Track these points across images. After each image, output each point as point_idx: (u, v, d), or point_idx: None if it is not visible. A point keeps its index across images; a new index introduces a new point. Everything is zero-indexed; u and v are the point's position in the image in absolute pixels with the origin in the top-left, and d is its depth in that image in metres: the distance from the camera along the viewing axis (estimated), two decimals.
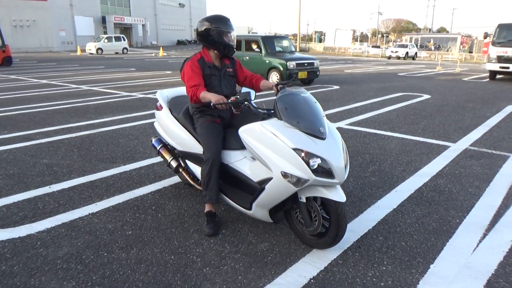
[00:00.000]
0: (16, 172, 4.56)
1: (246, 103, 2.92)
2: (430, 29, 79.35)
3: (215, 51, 3.31)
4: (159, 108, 3.84)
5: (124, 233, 3.18)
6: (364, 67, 24.81)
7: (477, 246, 3.02)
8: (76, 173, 4.53)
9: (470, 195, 4.02)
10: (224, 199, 3.26)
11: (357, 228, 3.29)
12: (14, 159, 5.01)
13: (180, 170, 3.73)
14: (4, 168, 4.67)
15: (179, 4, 68.34)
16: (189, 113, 3.49)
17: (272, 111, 2.90)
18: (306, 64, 13.39)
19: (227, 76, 3.43)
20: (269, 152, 2.73)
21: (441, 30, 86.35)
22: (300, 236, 3.03)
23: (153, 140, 3.95)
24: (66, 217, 3.44)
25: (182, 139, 3.54)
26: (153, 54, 35.97)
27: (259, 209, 2.97)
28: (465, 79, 17.25)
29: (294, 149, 2.62)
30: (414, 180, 4.41)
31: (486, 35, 18.37)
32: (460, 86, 14.09)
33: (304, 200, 2.83)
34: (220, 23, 3.21)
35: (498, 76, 17.31)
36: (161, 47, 42.70)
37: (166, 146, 3.85)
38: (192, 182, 3.67)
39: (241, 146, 3.05)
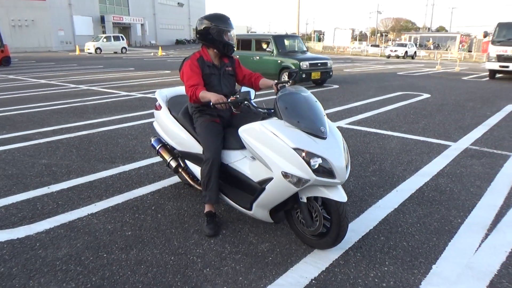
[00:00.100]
0: (15, 172, 4.53)
1: (246, 102, 2.89)
2: (429, 28, 79.36)
3: (215, 50, 3.28)
4: (158, 107, 3.81)
5: (123, 234, 3.15)
6: (363, 66, 24.79)
7: (479, 246, 3.00)
8: (75, 174, 4.50)
9: (472, 194, 4.00)
10: (224, 199, 3.24)
11: (358, 228, 3.27)
12: (13, 160, 4.99)
13: (180, 170, 3.71)
14: (3, 169, 4.64)
15: (178, 3, 68.24)
16: (189, 112, 3.47)
17: (272, 111, 2.87)
18: (319, 64, 12.94)
19: (227, 75, 3.40)
20: (269, 152, 2.71)
21: (440, 29, 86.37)
22: (301, 236, 3.01)
23: (152, 140, 3.93)
24: (65, 218, 3.42)
25: (182, 139, 3.51)
26: (152, 54, 35.92)
27: (260, 209, 2.95)
28: (465, 78, 17.24)
29: (295, 149, 2.59)
30: (415, 180, 4.39)
31: (485, 34, 18.36)
32: (459, 85, 14.08)
33: (305, 200, 2.81)
34: (219, 21, 3.18)
35: (498, 75, 17.30)
36: (160, 47, 42.67)
37: (166, 146, 3.83)
38: (191, 182, 3.64)
39: (241, 145, 3.03)
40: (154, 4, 62.31)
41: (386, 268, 2.71)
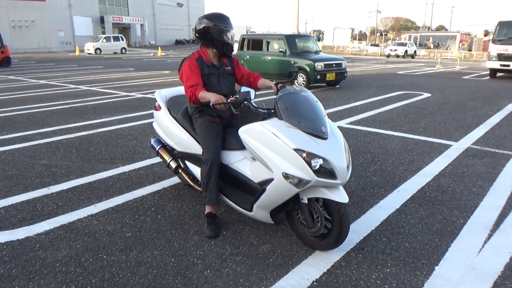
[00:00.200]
0: (15, 173, 4.51)
1: (245, 102, 2.87)
2: (429, 27, 79.33)
3: (214, 50, 3.26)
4: (158, 108, 3.79)
5: (123, 235, 3.13)
6: (363, 65, 24.76)
7: (482, 247, 2.98)
8: (75, 174, 4.48)
9: (474, 194, 3.98)
10: (225, 200, 3.21)
11: (359, 229, 3.25)
12: (13, 160, 4.97)
13: (180, 171, 3.69)
14: (3, 169, 4.62)
15: (177, 3, 68.22)
16: (188, 113, 3.44)
17: (272, 111, 2.85)
18: (334, 65, 12.39)
19: (226, 75, 3.38)
20: (269, 152, 2.68)
21: (440, 28, 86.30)
22: (302, 237, 2.99)
23: (152, 140, 3.90)
24: (65, 219, 3.40)
25: (181, 139, 3.49)
26: (152, 54, 35.91)
27: (260, 211, 2.93)
28: (465, 77, 17.21)
29: (295, 150, 2.57)
30: (416, 180, 4.37)
31: (486, 33, 18.34)
32: (460, 85, 14.06)
33: (306, 201, 2.79)
34: (219, 21, 3.15)
35: (499, 74, 17.28)
36: (159, 47, 42.65)
37: (165, 146, 3.81)
38: (192, 183, 3.62)
39: (241, 146, 3.01)
40: (154, 5, 62.32)
41: (388, 270, 2.68)
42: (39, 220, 3.38)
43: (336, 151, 2.63)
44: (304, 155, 2.54)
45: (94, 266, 2.71)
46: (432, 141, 6.01)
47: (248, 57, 13.75)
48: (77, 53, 36.76)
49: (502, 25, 15.96)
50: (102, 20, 51.91)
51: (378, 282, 2.55)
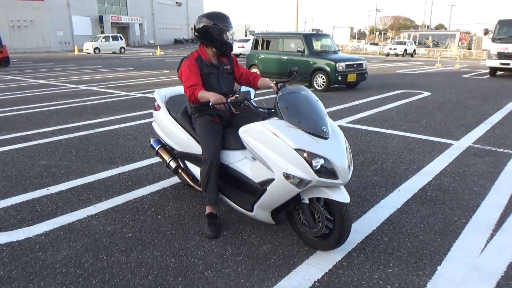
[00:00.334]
0: (14, 173, 4.49)
1: (245, 102, 2.85)
2: (428, 26, 79.32)
3: (213, 49, 3.24)
4: (157, 108, 3.77)
5: (123, 236, 3.11)
6: None
7: (484, 246, 2.96)
8: (74, 174, 4.46)
9: (476, 194, 3.96)
10: (225, 200, 3.20)
11: (361, 228, 3.23)
12: (12, 161, 4.94)
13: (180, 171, 3.66)
14: (2, 170, 4.60)
15: (176, 3, 68.13)
16: (188, 112, 3.42)
17: (273, 110, 2.83)
18: (355, 65, 11.79)
19: (225, 74, 3.36)
20: (270, 152, 2.67)
21: (439, 27, 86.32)
22: (303, 237, 2.97)
23: (152, 140, 3.88)
24: (65, 220, 3.38)
25: (181, 139, 3.47)
26: (151, 53, 35.85)
27: (261, 211, 2.91)
28: (465, 76, 17.20)
29: (296, 150, 2.55)
30: (417, 179, 4.35)
31: (486, 32, 18.31)
32: (460, 83, 14.04)
33: (307, 201, 2.77)
34: (219, 20, 3.13)
35: (499, 73, 17.27)
36: (158, 46, 42.60)
37: (165, 146, 3.79)
38: (191, 183, 3.60)
39: (241, 146, 2.99)
40: (153, 4, 62.22)
41: (390, 270, 2.67)
42: (38, 221, 3.36)
43: (337, 150, 2.61)
44: (305, 155, 2.52)
45: (94, 267, 2.69)
46: (432, 140, 5.99)
47: (262, 56, 13.17)
48: (76, 52, 36.71)
49: (502, 23, 15.94)
50: (101, 19, 51.84)
51: (380, 282, 2.53)
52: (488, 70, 17.45)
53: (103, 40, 37.37)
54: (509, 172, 4.59)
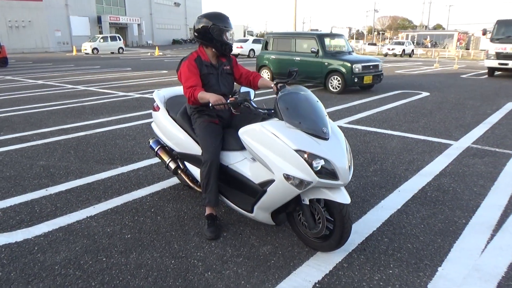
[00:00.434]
0: (13, 174, 4.47)
1: (245, 103, 2.84)
2: (426, 26, 79.42)
3: (213, 49, 3.23)
4: (156, 108, 3.75)
5: (123, 237, 3.10)
6: None
7: (485, 247, 2.96)
8: (73, 175, 4.44)
9: (475, 194, 3.96)
10: (225, 201, 3.18)
11: (361, 229, 3.22)
12: (11, 161, 4.92)
13: (179, 172, 3.65)
14: (0, 171, 4.58)
15: (175, 3, 68.05)
16: (187, 113, 3.41)
17: (273, 111, 2.82)
18: (371, 67, 11.37)
19: (225, 74, 3.35)
20: (270, 153, 2.66)
21: (437, 27, 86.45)
22: (303, 238, 2.96)
23: (151, 141, 3.87)
24: (64, 221, 3.36)
25: (180, 140, 3.46)
26: (149, 54, 35.80)
27: (261, 212, 2.90)
28: (464, 76, 17.22)
29: (297, 151, 2.54)
30: (417, 180, 4.35)
31: (484, 32, 18.34)
32: (458, 83, 14.05)
33: (307, 202, 2.76)
34: (218, 20, 3.12)
35: (497, 73, 17.30)
36: (156, 47, 42.52)
37: (164, 147, 3.77)
38: (191, 184, 3.59)
39: (240, 146, 2.98)
40: (151, 4, 62.13)
41: (391, 271, 2.66)
42: (37, 222, 3.34)
43: (337, 151, 2.61)
44: (306, 156, 2.51)
45: (93, 269, 2.67)
46: (432, 141, 5.99)
47: (273, 57, 12.71)
48: (74, 53, 36.64)
49: (501, 23, 15.97)
50: (99, 20, 51.75)
51: (381, 283, 2.52)
52: (486, 70, 17.48)
53: (102, 40, 37.30)
54: (509, 172, 4.59)
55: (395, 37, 65.80)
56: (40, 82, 13.77)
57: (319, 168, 2.50)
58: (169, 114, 3.59)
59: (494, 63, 16.00)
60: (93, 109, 8.49)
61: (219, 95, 2.92)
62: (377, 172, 4.61)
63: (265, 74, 12.97)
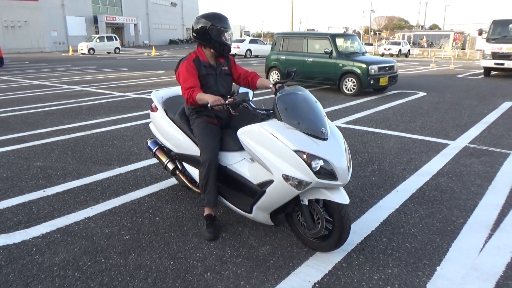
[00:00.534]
0: (10, 175, 4.45)
1: (244, 103, 2.83)
2: (422, 26, 79.65)
3: (211, 50, 3.22)
4: (154, 109, 3.75)
5: (121, 238, 3.09)
6: None
7: (483, 246, 2.97)
8: (70, 176, 4.43)
9: (473, 194, 3.98)
10: (224, 202, 3.18)
11: (359, 229, 3.23)
12: (7, 162, 4.90)
13: (177, 172, 3.64)
14: None
15: (171, 3, 67.93)
16: (185, 114, 3.40)
17: (271, 111, 2.82)
18: (387, 68, 10.98)
19: (223, 75, 3.34)
20: (269, 154, 2.66)
21: (434, 27, 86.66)
22: (302, 239, 2.96)
23: (149, 142, 3.86)
24: (62, 222, 3.35)
25: (178, 140, 3.45)
26: (146, 54, 35.74)
27: (260, 212, 2.90)
28: (460, 76, 17.28)
29: (296, 151, 2.54)
30: (415, 179, 4.36)
31: (480, 32, 18.41)
32: (455, 83, 14.10)
33: (306, 203, 2.76)
34: (217, 21, 3.12)
35: (493, 73, 17.38)
36: (153, 47, 42.47)
37: (162, 148, 3.77)
38: (190, 185, 3.58)
39: (239, 147, 2.98)
40: (147, 4, 62.00)
41: (390, 271, 2.67)
42: (35, 223, 3.33)
43: (336, 152, 2.61)
44: (305, 156, 2.51)
45: (92, 270, 2.67)
46: (429, 140, 6.01)
47: (283, 58, 12.30)
48: (70, 53, 36.51)
49: (496, 23, 16.05)
50: (95, 20, 51.58)
51: (380, 283, 2.53)
52: (482, 70, 17.55)
53: (98, 40, 37.19)
54: (506, 171, 4.61)
55: (391, 37, 65.95)
56: (36, 82, 13.72)
57: (318, 168, 2.51)
58: (167, 115, 3.59)
59: (490, 63, 16.07)
60: (90, 110, 8.46)
61: (217, 96, 2.92)
62: (375, 172, 4.62)
63: (275, 75, 12.67)
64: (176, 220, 3.41)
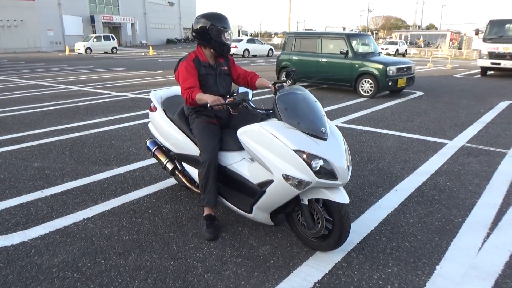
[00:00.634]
0: (7, 176, 4.43)
1: (244, 103, 2.83)
2: (419, 26, 79.82)
3: (211, 50, 3.22)
4: (153, 109, 3.74)
5: (121, 239, 3.09)
6: None
7: (482, 245, 2.98)
8: (68, 177, 4.41)
9: (471, 193, 3.99)
10: (224, 202, 3.18)
11: (359, 229, 3.24)
12: (5, 163, 4.88)
13: (177, 172, 3.63)
14: None
15: (169, 2, 67.82)
16: (184, 113, 3.40)
17: (271, 111, 2.82)
18: (405, 69, 10.61)
19: (223, 75, 3.34)
20: (269, 154, 2.66)
21: (430, 27, 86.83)
22: (302, 238, 2.97)
23: (148, 142, 3.85)
24: (60, 223, 3.34)
25: (178, 140, 3.45)
26: (143, 53, 35.66)
27: (260, 212, 2.90)
28: (457, 75, 17.32)
29: (296, 151, 2.55)
30: (413, 179, 4.37)
31: (477, 32, 18.47)
32: (452, 83, 14.14)
33: (306, 202, 2.76)
34: (217, 21, 3.11)
35: (489, 72, 17.43)
36: (150, 46, 42.36)
37: (161, 148, 3.76)
38: (189, 185, 3.58)
39: (239, 147, 2.98)
40: (145, 4, 61.87)
41: (389, 270, 2.67)
42: (33, 224, 3.32)
43: (336, 151, 2.62)
44: (305, 156, 2.52)
45: (92, 271, 2.66)
46: (427, 140, 6.02)
47: (295, 58, 11.84)
48: (67, 53, 36.38)
49: (493, 23, 16.09)
50: (92, 19, 51.44)
51: (380, 282, 2.54)
52: (479, 70, 17.60)
53: (95, 40, 37.06)
54: (503, 171, 4.63)
55: (388, 37, 66.04)
56: (33, 82, 13.67)
57: (318, 168, 2.51)
58: (166, 115, 3.58)
59: (487, 63, 16.13)
60: (88, 110, 8.44)
61: (217, 96, 2.91)
62: (373, 171, 4.62)
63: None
64: (175, 220, 3.41)
